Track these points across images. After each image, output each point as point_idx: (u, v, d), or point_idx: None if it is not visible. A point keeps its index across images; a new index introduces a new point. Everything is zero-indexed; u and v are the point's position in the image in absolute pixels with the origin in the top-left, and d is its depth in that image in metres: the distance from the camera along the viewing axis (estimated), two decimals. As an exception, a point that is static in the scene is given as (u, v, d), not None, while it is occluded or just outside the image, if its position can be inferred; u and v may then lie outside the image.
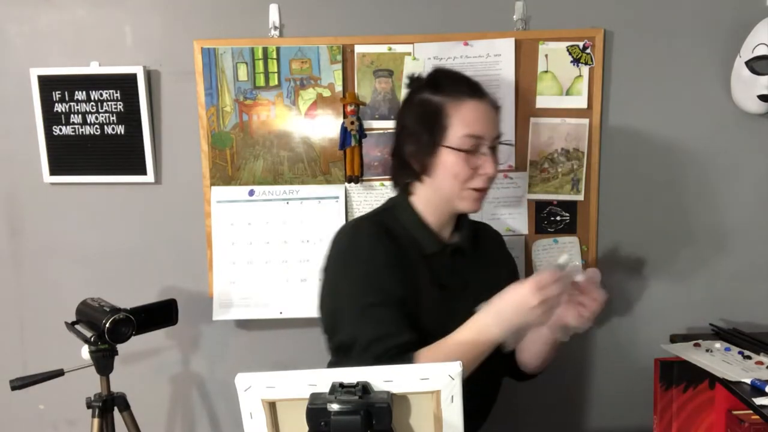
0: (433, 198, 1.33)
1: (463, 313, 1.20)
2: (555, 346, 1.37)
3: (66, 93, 1.82)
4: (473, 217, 1.43)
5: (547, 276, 1.14)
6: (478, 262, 1.42)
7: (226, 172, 1.82)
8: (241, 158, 1.81)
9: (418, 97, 1.32)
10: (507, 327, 1.15)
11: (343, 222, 1.79)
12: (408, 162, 1.32)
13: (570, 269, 1.18)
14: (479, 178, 1.29)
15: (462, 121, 1.27)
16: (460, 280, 1.36)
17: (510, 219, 1.81)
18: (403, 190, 1.37)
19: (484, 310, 1.17)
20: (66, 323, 1.62)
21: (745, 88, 1.68)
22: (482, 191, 1.31)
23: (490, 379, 1.42)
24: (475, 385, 1.13)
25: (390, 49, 1.76)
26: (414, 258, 1.31)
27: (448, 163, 1.27)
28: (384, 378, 0.84)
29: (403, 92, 1.72)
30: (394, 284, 1.25)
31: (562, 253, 1.19)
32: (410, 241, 1.33)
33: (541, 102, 1.76)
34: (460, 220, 1.40)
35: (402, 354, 1.16)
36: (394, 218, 1.35)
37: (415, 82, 1.37)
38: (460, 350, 1.15)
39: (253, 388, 0.85)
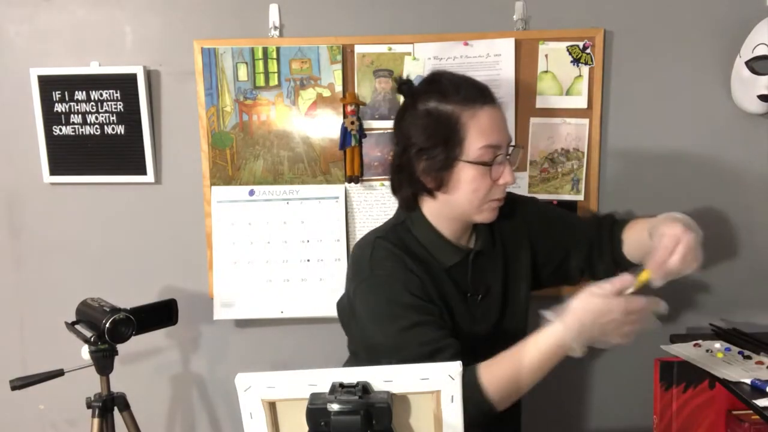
0: (447, 212, 1.26)
1: (489, 315, 1.16)
2: None
3: (66, 93, 1.82)
4: None
5: (639, 302, 1.10)
6: (499, 255, 1.36)
7: (226, 172, 1.82)
8: (241, 158, 1.81)
9: (423, 107, 1.21)
10: (585, 339, 1.08)
11: (342, 221, 1.79)
12: (418, 179, 1.23)
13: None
14: (499, 189, 1.23)
15: (479, 131, 1.18)
16: (483, 284, 1.32)
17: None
18: (411, 203, 1.29)
19: (560, 318, 1.09)
20: (66, 323, 1.62)
21: (745, 88, 1.68)
22: (501, 201, 1.25)
23: None
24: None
25: (390, 49, 1.76)
26: (436, 272, 1.27)
27: (467, 178, 1.20)
28: (384, 378, 0.84)
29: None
30: (423, 302, 1.20)
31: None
32: (430, 257, 1.27)
33: (541, 102, 1.76)
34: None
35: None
36: (410, 234, 1.29)
37: (407, 86, 1.27)
38: (533, 363, 1.11)
39: (253, 388, 0.85)
